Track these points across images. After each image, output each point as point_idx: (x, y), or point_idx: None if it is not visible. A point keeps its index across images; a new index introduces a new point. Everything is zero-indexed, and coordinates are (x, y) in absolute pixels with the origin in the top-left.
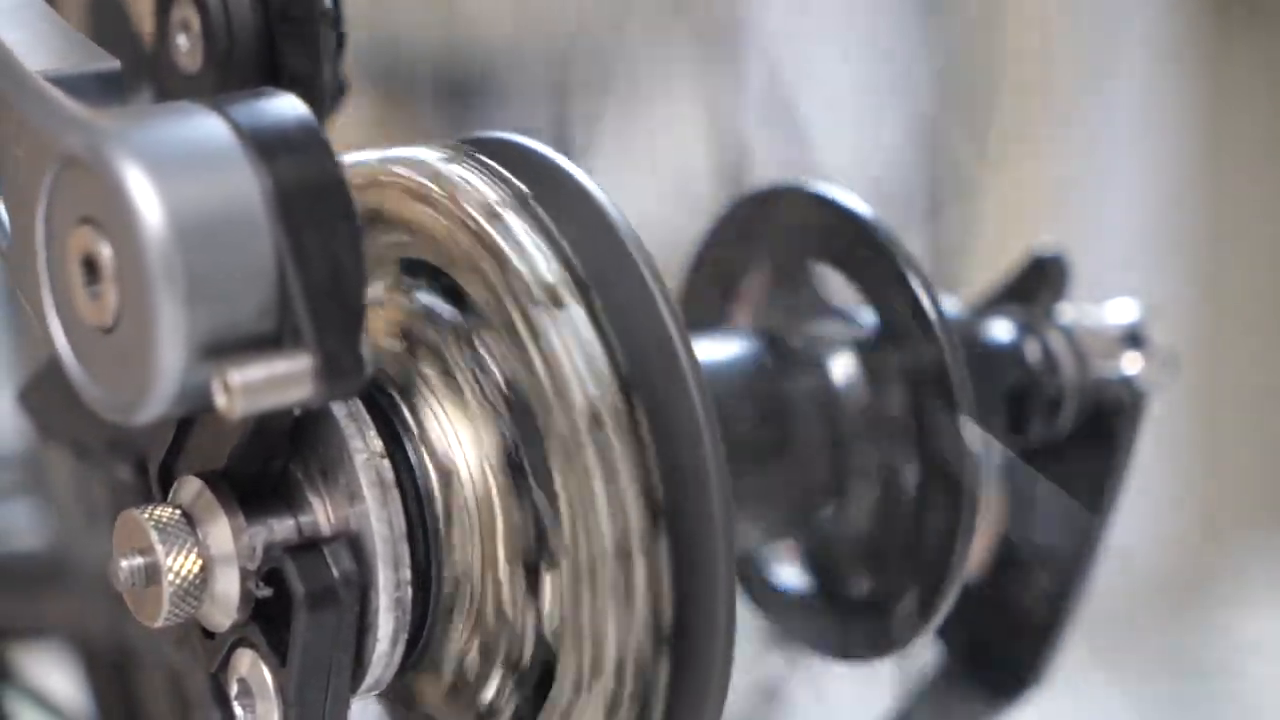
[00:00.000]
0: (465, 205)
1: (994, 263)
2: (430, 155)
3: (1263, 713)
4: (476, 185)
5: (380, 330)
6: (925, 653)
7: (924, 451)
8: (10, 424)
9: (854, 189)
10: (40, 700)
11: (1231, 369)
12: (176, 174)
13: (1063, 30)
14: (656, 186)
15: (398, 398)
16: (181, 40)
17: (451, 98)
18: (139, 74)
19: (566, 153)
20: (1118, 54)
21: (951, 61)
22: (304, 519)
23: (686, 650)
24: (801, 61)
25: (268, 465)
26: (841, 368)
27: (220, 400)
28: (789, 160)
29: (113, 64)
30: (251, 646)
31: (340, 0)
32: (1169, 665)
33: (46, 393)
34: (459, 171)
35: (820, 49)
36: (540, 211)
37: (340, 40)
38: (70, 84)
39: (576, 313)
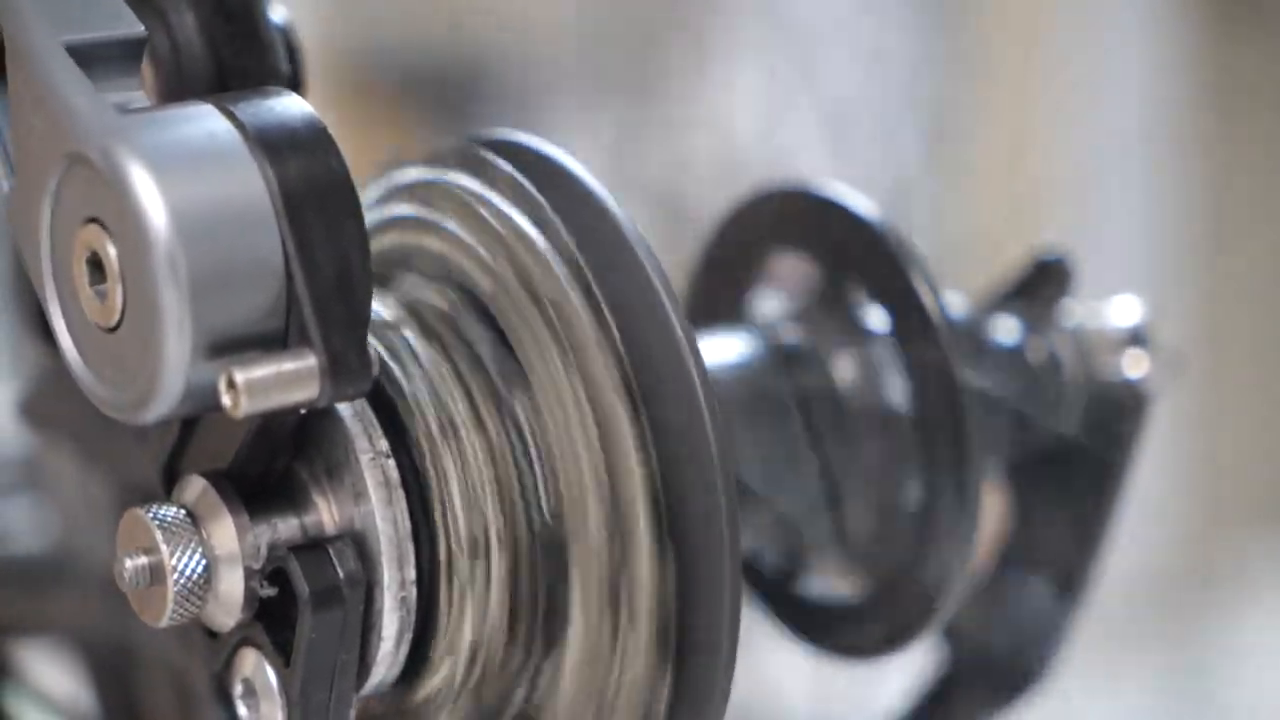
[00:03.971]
0: (489, 219)
1: (997, 261)
2: (447, 174)
3: (1264, 712)
4: (494, 202)
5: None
6: (929, 653)
7: (927, 451)
8: (10, 423)
9: (867, 187)
10: (41, 699)
11: (1233, 368)
12: (182, 174)
13: (1064, 28)
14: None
15: (406, 397)
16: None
17: (442, 98)
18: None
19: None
20: (1119, 52)
21: (961, 63)
22: (309, 518)
23: (692, 650)
24: (816, 61)
25: (272, 465)
26: (845, 367)
27: (225, 399)
28: (806, 157)
29: (138, 29)
30: (256, 646)
31: (297, 47)
32: (1171, 664)
33: (49, 396)
34: (469, 182)
35: (834, 50)
36: (552, 217)
37: (296, 82)
38: (94, 51)
39: (585, 320)
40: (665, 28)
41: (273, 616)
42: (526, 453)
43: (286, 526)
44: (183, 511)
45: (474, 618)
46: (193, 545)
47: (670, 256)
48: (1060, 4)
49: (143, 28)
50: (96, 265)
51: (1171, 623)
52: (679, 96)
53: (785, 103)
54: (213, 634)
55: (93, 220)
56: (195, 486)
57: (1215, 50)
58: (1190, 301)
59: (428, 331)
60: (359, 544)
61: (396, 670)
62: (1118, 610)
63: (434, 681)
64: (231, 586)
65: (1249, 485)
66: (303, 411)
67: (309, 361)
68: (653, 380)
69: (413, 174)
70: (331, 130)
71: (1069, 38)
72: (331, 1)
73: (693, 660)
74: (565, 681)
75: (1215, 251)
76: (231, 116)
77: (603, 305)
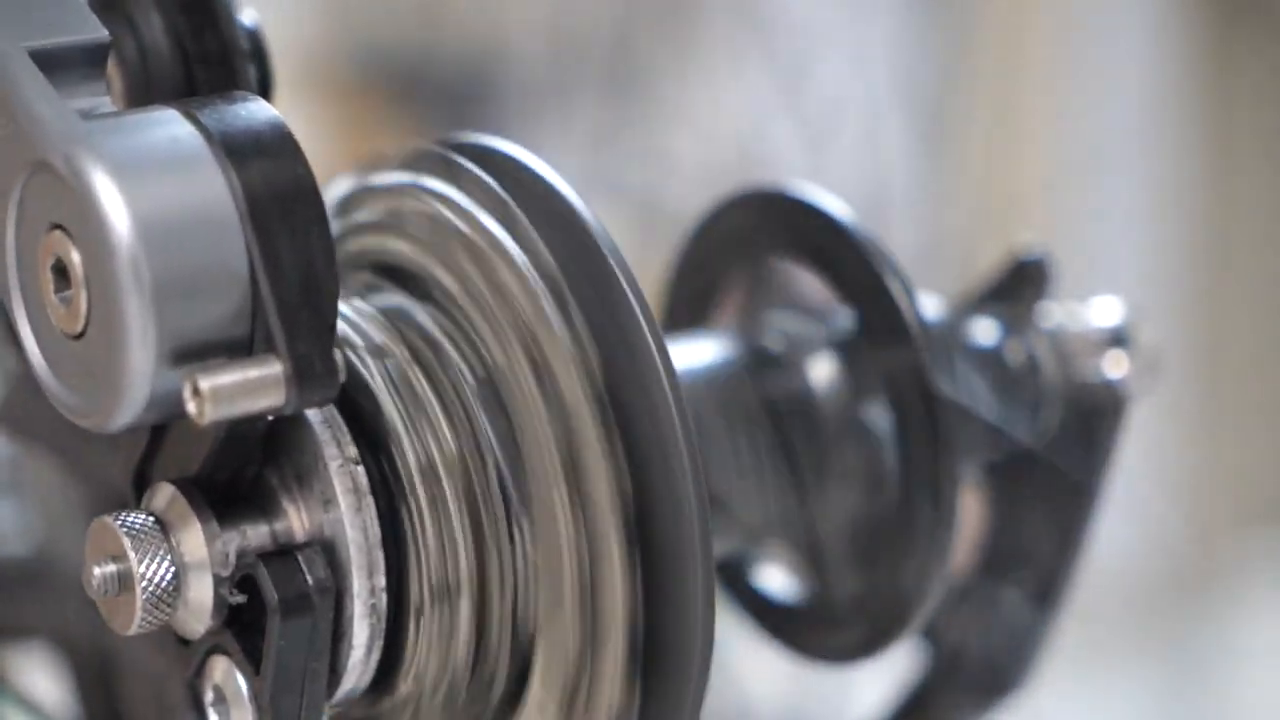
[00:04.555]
0: (452, 218)
1: (990, 262)
2: (424, 180)
3: (1263, 713)
4: (458, 200)
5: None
6: (910, 654)
7: (904, 454)
8: None
9: (856, 188)
10: (25, 703)
11: (1233, 369)
12: (145, 180)
13: (1065, 28)
14: (666, 181)
15: (375, 402)
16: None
17: (446, 99)
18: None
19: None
20: (1119, 51)
21: (952, 61)
22: (278, 525)
23: (661, 661)
24: (803, 61)
25: (241, 471)
26: (820, 371)
27: (190, 406)
28: (793, 158)
29: (101, 35)
30: (226, 653)
31: (265, 51)
32: (1167, 665)
33: (24, 403)
34: (441, 186)
35: (822, 49)
36: (521, 218)
37: (265, 86)
38: (58, 56)
39: (556, 326)
40: (648, 27)
41: (243, 624)
42: (501, 478)
43: (256, 533)
44: (151, 519)
45: (440, 646)
46: (161, 553)
47: (651, 258)
48: (1060, 2)
49: (107, 33)
50: (61, 272)
51: (1170, 623)
52: (661, 96)
53: (769, 102)
54: (184, 641)
55: (57, 227)
56: (164, 493)
57: (1215, 50)
58: (1190, 302)
59: (408, 347)
60: (328, 551)
61: (368, 678)
62: (1116, 610)
63: (404, 689)
64: (201, 594)
65: (1249, 485)
66: (270, 418)
67: (274, 368)
68: (624, 390)
69: (388, 178)
70: (322, 131)
71: (1066, 36)
72: (321, 3)
73: (662, 688)
74: (533, 695)
75: (1215, 251)
76: (196, 122)
77: (579, 327)
